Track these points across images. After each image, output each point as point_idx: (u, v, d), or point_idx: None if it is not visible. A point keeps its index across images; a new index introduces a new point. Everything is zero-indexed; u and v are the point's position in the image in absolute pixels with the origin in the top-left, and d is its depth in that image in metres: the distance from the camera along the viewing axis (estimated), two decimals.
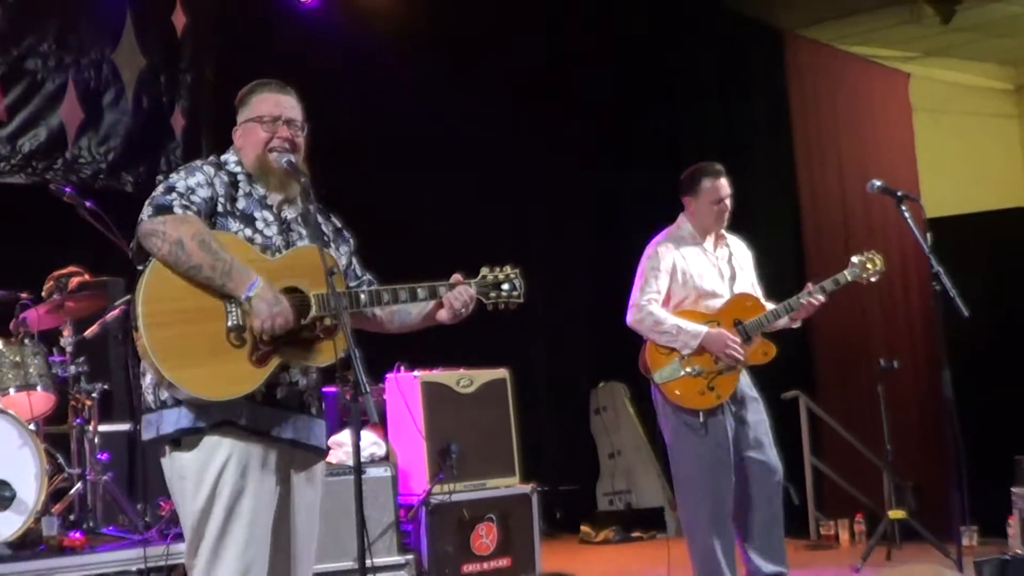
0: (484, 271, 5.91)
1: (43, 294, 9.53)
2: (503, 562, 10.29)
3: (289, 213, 5.77)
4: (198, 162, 5.74)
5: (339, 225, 6.06)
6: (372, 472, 9.48)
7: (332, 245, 5.87)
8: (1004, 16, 15.22)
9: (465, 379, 10.51)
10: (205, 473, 5.43)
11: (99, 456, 9.58)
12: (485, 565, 10.20)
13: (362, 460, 5.72)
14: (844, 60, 15.16)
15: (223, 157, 5.81)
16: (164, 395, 5.46)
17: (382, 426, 10.08)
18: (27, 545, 8.72)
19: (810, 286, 8.55)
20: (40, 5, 11.48)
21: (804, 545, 12.75)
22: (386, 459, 9.95)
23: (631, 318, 8.58)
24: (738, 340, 8.41)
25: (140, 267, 5.43)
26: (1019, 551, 11.15)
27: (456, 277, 5.83)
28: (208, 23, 12.44)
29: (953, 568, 7.93)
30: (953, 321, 7.72)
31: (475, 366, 10.63)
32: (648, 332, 8.52)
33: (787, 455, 13.14)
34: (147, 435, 5.56)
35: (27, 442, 8.68)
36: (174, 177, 5.56)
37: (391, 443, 10.20)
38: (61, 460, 9.51)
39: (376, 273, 6.12)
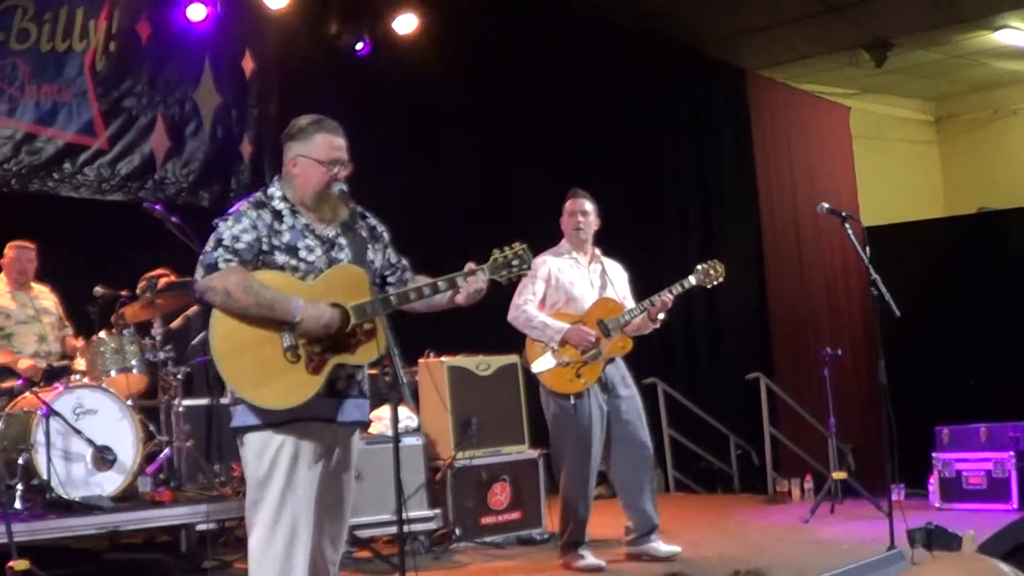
0: (495, 253, 5.88)
1: (137, 292, 9.55)
2: (515, 515, 10.31)
3: (330, 231, 5.76)
4: (244, 205, 5.72)
5: (373, 224, 6.02)
6: (407, 441, 9.48)
7: (370, 246, 5.86)
8: (926, 61, 15.38)
9: (483, 364, 10.54)
10: (266, 450, 5.54)
11: (183, 426, 9.64)
12: (500, 518, 10.23)
13: (398, 432, 5.84)
14: (796, 96, 15.22)
15: (269, 191, 5.78)
16: (237, 395, 5.61)
17: (415, 403, 10.13)
18: (126, 499, 8.79)
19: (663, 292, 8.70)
20: (135, 54, 11.61)
21: (763, 500, 12.84)
22: (418, 430, 9.96)
23: (510, 315, 8.80)
24: (594, 334, 8.60)
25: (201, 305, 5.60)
26: (938, 505, 11.33)
27: (470, 266, 5.83)
28: (272, 66, 12.49)
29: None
30: (887, 317, 7.89)
31: (492, 353, 10.65)
32: (522, 327, 8.77)
33: (749, 425, 13.39)
34: (232, 424, 5.74)
35: (125, 415, 8.77)
36: (222, 227, 5.57)
37: (422, 417, 10.26)
38: (152, 429, 9.54)
39: (411, 259, 6.14)
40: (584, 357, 8.61)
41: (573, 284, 8.82)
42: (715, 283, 8.81)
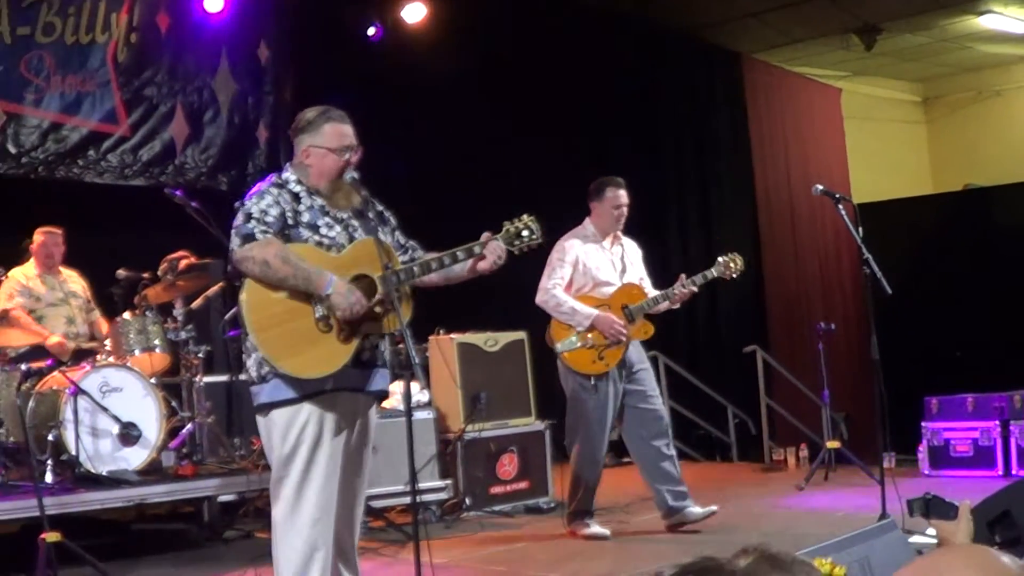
0: (505, 224, 5.95)
1: (159, 274, 9.59)
2: (523, 484, 10.36)
3: (344, 214, 5.80)
4: (264, 185, 5.78)
5: (380, 209, 6.05)
6: (418, 415, 9.44)
7: (380, 229, 5.87)
8: (914, 45, 15.33)
9: (491, 340, 10.56)
10: (291, 428, 5.56)
11: (204, 403, 9.68)
12: (508, 487, 10.27)
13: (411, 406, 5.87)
14: (790, 78, 15.19)
15: (284, 176, 5.82)
16: (264, 371, 5.58)
17: (426, 379, 10.15)
18: (151, 473, 8.86)
19: (683, 279, 8.72)
20: (155, 45, 11.65)
21: (760, 468, 12.84)
22: (429, 404, 9.98)
23: (539, 299, 8.76)
24: (623, 322, 8.60)
25: (236, 283, 5.61)
26: (927, 472, 11.34)
27: (486, 235, 5.88)
28: (286, 55, 12.52)
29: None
30: (878, 293, 7.90)
31: (499, 329, 10.69)
32: (551, 311, 8.71)
33: (746, 396, 13.39)
34: (256, 401, 5.71)
35: (149, 392, 8.81)
36: (248, 204, 5.62)
37: (432, 392, 10.28)
38: (175, 406, 9.60)
39: (420, 241, 6.17)
40: (607, 341, 8.60)
41: (599, 269, 8.79)
42: (735, 275, 8.80)
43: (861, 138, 15.98)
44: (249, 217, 5.56)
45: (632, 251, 9.12)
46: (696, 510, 8.80)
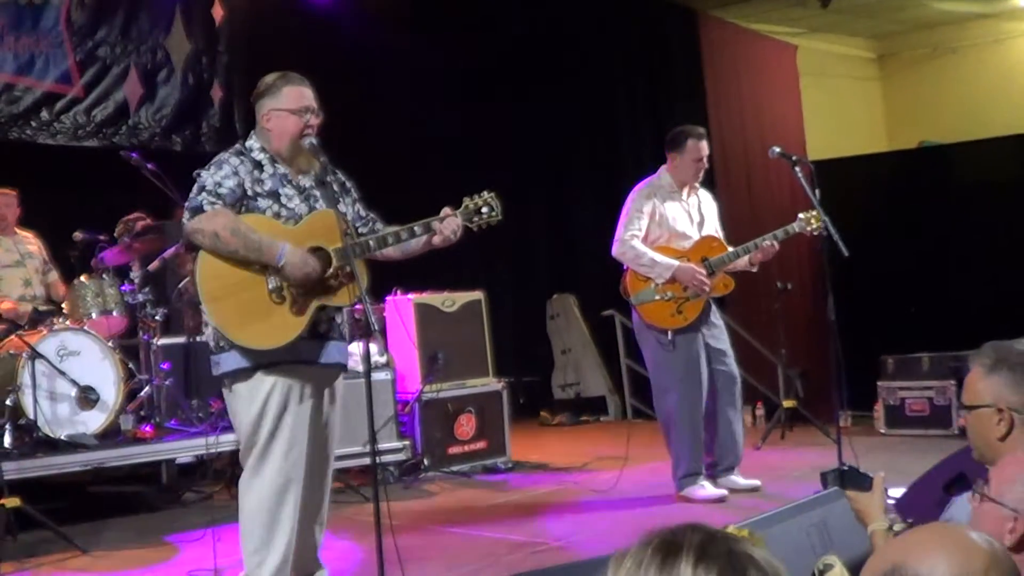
0: (465, 200, 6.04)
1: (115, 235, 9.59)
2: (480, 444, 10.43)
3: (306, 182, 5.87)
4: (224, 154, 5.84)
5: (343, 179, 6.15)
6: (376, 376, 9.44)
7: (340, 199, 5.96)
8: (869, 1, 15.41)
9: (448, 300, 10.60)
10: (255, 398, 5.66)
11: (162, 365, 9.70)
12: (466, 447, 10.34)
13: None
14: (746, 35, 15.20)
15: (247, 144, 5.90)
16: (222, 342, 5.67)
17: (383, 339, 10.19)
18: (109, 436, 8.87)
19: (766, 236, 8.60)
20: (109, 5, 11.58)
21: None
22: (387, 365, 10.02)
23: (616, 250, 8.58)
24: (704, 273, 8.46)
25: (193, 253, 5.65)
26: (883, 431, 11.49)
27: (446, 210, 5.97)
28: (241, 14, 12.46)
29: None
30: (836, 255, 7.97)
31: (456, 289, 10.74)
32: (630, 263, 8.53)
33: None
34: (215, 372, 5.79)
35: (107, 356, 8.81)
36: (204, 175, 5.68)
37: (390, 352, 10.33)
38: (132, 368, 9.60)
39: (380, 212, 6.25)
40: (686, 294, 8.46)
41: (676, 220, 8.63)
42: (815, 232, 8.45)
43: (816, 95, 16.03)
44: (201, 189, 5.62)
45: (708, 203, 8.96)
46: (741, 480, 8.79)
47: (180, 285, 9.75)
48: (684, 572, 2.04)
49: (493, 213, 6.06)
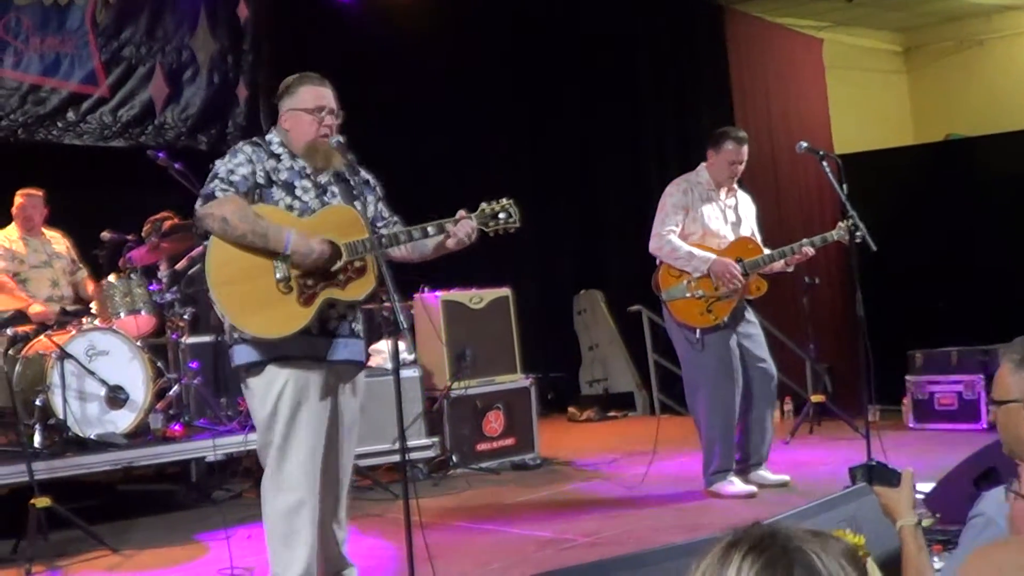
0: (483, 205, 5.97)
1: (143, 235, 9.61)
2: (509, 441, 10.47)
3: (323, 178, 5.88)
4: (241, 144, 5.88)
5: (367, 177, 6.13)
6: (404, 373, 9.34)
7: (361, 197, 5.94)
8: None
9: (476, 297, 10.63)
10: (268, 393, 5.67)
11: (190, 364, 9.73)
12: (494, 444, 10.38)
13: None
14: (772, 29, 15.16)
15: (268, 137, 5.93)
16: (236, 334, 5.70)
17: (411, 337, 10.19)
18: (139, 435, 8.91)
19: (804, 241, 8.59)
20: (134, 5, 11.64)
21: None
22: (415, 362, 10.07)
23: (653, 245, 8.55)
24: (739, 270, 8.42)
25: (205, 242, 5.66)
26: (911, 425, 11.46)
27: (461, 213, 5.90)
28: (265, 13, 12.53)
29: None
30: (864, 250, 7.94)
31: (484, 286, 10.74)
32: (666, 257, 8.49)
33: None
34: (231, 364, 5.84)
35: (136, 355, 8.84)
36: (218, 163, 5.72)
37: (418, 350, 10.35)
38: (161, 367, 9.65)
39: (404, 210, 6.22)
40: (718, 293, 8.42)
41: (710, 218, 8.60)
42: (857, 240, 8.14)
43: (842, 89, 15.99)
44: (214, 176, 5.66)
45: (746, 204, 8.93)
46: (769, 475, 8.78)
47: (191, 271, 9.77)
48: (735, 561, 2.10)
49: (511, 220, 5.99)
